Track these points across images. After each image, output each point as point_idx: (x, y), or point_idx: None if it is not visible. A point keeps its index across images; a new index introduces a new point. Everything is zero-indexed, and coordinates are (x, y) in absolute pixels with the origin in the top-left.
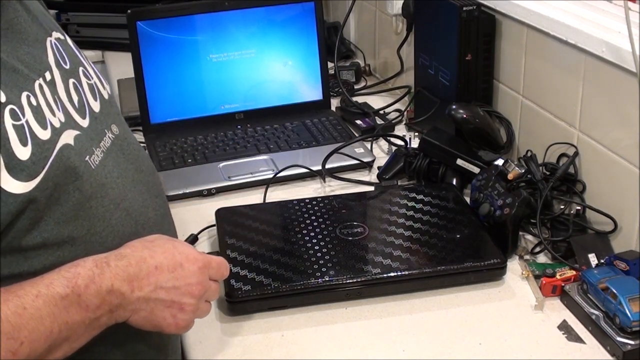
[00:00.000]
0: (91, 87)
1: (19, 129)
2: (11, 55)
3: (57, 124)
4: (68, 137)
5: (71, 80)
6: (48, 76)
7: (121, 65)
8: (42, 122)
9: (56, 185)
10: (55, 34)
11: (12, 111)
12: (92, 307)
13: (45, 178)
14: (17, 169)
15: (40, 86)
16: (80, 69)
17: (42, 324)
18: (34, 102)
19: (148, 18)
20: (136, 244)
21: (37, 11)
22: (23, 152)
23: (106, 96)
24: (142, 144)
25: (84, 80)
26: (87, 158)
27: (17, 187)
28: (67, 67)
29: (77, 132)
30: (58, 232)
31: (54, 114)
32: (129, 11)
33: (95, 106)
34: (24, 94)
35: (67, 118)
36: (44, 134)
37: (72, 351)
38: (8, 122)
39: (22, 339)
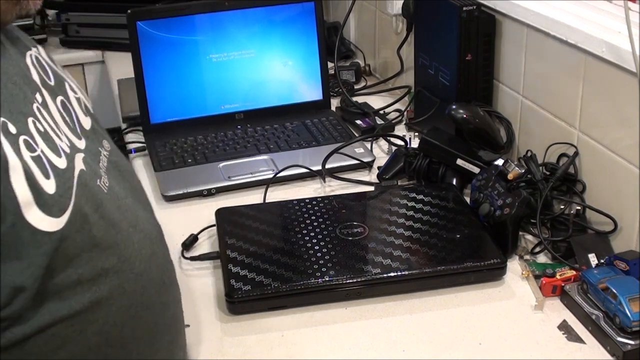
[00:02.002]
0: (79, 102)
1: (38, 161)
2: (5, 77)
3: (67, 149)
4: (79, 162)
5: (59, 98)
6: (39, 98)
7: (121, 65)
8: (55, 149)
9: (84, 216)
10: (33, 48)
11: (26, 142)
12: None
13: (75, 210)
14: (47, 204)
15: (39, 109)
16: (66, 83)
17: None
18: (40, 128)
19: (148, 18)
20: None
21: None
22: (49, 186)
23: (91, 109)
24: (142, 144)
25: (71, 95)
26: (98, 182)
27: (50, 224)
28: (52, 83)
29: (82, 155)
30: (92, 266)
31: (60, 138)
32: (129, 11)
33: (86, 123)
34: (30, 120)
35: (70, 141)
36: (61, 162)
37: None
38: (26, 154)
39: None
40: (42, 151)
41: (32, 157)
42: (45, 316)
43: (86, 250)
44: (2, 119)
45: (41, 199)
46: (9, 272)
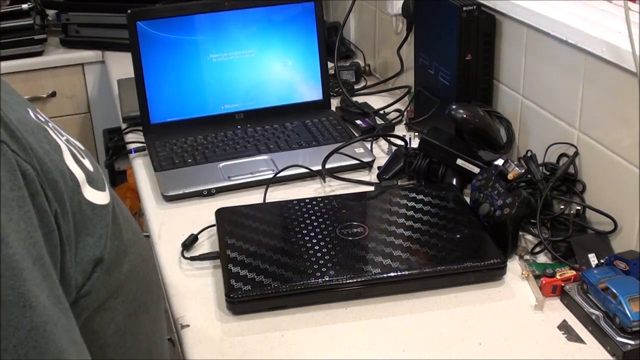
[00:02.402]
0: None
1: (70, 143)
2: None
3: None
4: None
5: None
6: None
7: (121, 65)
8: (68, 133)
9: (111, 190)
10: None
11: (54, 128)
12: None
13: (107, 185)
14: (94, 180)
15: None
16: None
17: None
18: (47, 119)
19: (148, 18)
20: None
21: None
22: (88, 164)
23: None
24: (142, 144)
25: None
26: None
27: (102, 198)
28: None
29: None
30: (122, 239)
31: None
32: (129, 11)
33: None
34: (37, 110)
35: None
36: (80, 144)
37: None
38: (62, 138)
39: None
40: (66, 135)
41: (66, 140)
42: (101, 291)
43: (117, 224)
44: (29, 109)
45: (89, 176)
46: (87, 248)
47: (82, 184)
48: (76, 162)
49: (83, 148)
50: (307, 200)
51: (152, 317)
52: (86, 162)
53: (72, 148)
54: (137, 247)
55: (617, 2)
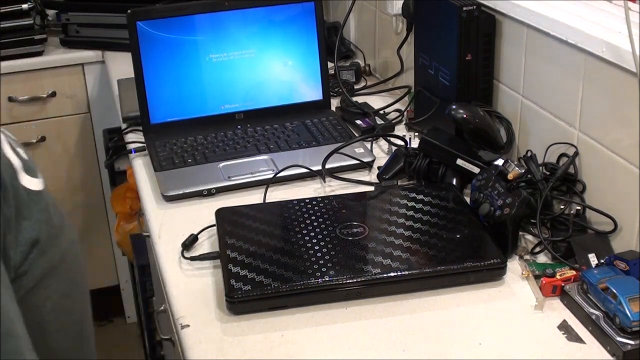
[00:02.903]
0: None
1: (5, 133)
2: None
3: None
4: None
5: None
6: None
7: (121, 65)
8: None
9: (42, 176)
10: None
11: None
12: None
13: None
14: (30, 168)
15: None
16: None
17: None
18: None
19: (148, 18)
20: None
21: None
22: (22, 153)
23: None
24: (142, 144)
25: None
26: None
27: (37, 184)
28: None
29: None
30: (54, 223)
31: None
32: (129, 11)
33: None
34: None
35: None
36: (11, 134)
37: None
38: None
39: None
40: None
41: (1, 131)
42: (37, 271)
43: (47, 210)
44: None
45: (25, 164)
46: (25, 231)
47: (19, 171)
48: (12, 150)
49: (15, 138)
50: (307, 200)
51: (84, 297)
52: (21, 151)
53: (8, 138)
54: (68, 232)
55: (617, 2)
